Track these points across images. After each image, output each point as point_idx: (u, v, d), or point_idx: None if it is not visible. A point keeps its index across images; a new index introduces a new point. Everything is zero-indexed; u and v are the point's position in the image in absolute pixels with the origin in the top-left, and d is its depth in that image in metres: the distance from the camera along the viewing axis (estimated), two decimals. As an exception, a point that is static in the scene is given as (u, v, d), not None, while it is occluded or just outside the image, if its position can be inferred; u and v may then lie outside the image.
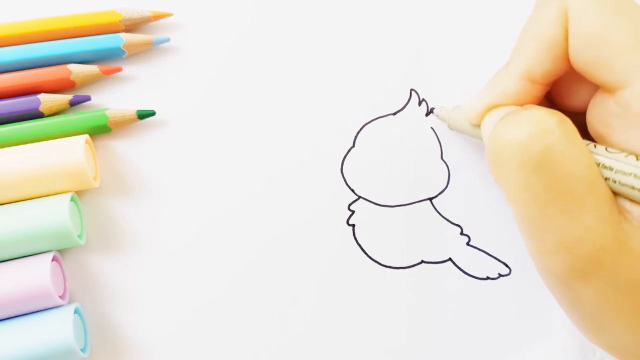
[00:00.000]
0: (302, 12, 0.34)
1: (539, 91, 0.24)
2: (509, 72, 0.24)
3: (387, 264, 0.32)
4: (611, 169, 0.21)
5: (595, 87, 0.23)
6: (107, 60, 0.33)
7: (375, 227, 0.32)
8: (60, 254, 0.31)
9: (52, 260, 0.29)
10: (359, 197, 0.32)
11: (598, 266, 0.20)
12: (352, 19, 0.34)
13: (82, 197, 0.32)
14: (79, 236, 0.31)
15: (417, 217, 0.32)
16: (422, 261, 0.32)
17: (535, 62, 0.23)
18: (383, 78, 0.34)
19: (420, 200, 0.32)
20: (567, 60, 0.22)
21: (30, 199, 0.30)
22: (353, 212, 0.32)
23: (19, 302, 0.28)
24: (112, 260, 0.32)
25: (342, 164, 0.33)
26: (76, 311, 0.30)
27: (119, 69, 0.33)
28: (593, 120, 0.23)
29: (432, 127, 0.33)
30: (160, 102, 0.33)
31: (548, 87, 0.24)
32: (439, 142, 0.33)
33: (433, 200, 0.32)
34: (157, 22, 0.34)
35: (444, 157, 0.33)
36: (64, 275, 0.31)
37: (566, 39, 0.22)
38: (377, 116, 0.33)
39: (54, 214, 0.29)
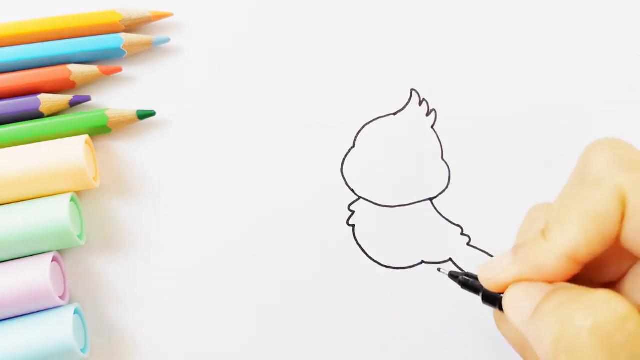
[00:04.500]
0: (302, 12, 0.34)
1: (577, 269, 0.22)
2: (549, 249, 0.22)
3: (387, 264, 0.32)
4: None
5: (636, 259, 0.23)
6: (107, 60, 0.33)
7: (375, 227, 0.32)
8: (60, 254, 0.31)
9: (52, 260, 0.29)
10: (359, 197, 0.32)
11: None
12: (352, 18, 0.34)
13: (82, 197, 0.32)
14: (79, 236, 0.31)
15: (417, 217, 0.32)
16: (422, 261, 0.32)
17: (583, 243, 0.21)
18: (383, 78, 0.34)
19: (420, 200, 0.32)
20: (617, 240, 0.21)
21: (30, 199, 0.30)
22: (353, 212, 0.32)
23: (19, 302, 0.28)
24: (112, 260, 0.32)
25: (342, 164, 0.33)
26: (76, 311, 0.30)
27: (119, 69, 0.33)
28: (635, 293, 0.22)
29: (432, 127, 0.33)
30: (160, 102, 0.33)
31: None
32: (439, 142, 0.33)
33: (433, 200, 0.32)
34: (157, 22, 0.34)
35: (444, 157, 0.33)
36: (64, 275, 0.31)
37: (621, 223, 0.21)
38: (377, 116, 0.33)
39: (54, 214, 0.29)
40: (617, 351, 0.19)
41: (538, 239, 0.23)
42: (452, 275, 0.27)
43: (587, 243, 0.21)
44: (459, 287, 0.26)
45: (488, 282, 0.24)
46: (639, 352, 0.19)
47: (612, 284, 0.23)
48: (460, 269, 0.31)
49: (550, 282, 0.22)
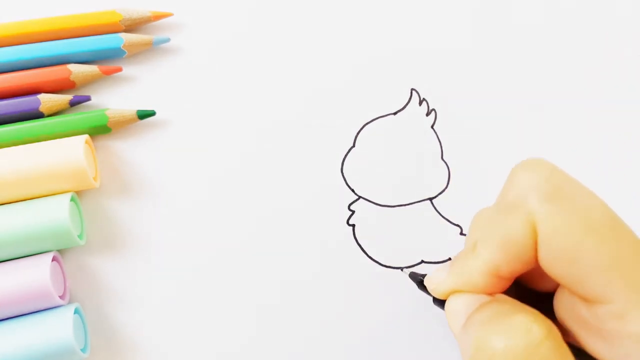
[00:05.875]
0: (302, 11, 0.34)
1: (506, 284, 0.23)
2: (476, 265, 0.23)
3: (387, 264, 0.32)
4: None
5: None
6: (107, 60, 0.33)
7: (375, 227, 0.32)
8: (60, 254, 0.31)
9: (52, 260, 0.29)
10: (359, 197, 0.32)
11: None
12: (352, 18, 0.34)
13: (82, 197, 0.32)
14: (79, 236, 0.31)
15: (417, 217, 0.32)
16: (422, 261, 0.32)
17: (503, 264, 0.22)
18: (383, 78, 0.34)
19: (420, 200, 0.32)
20: (537, 261, 0.22)
21: (31, 199, 0.30)
22: (353, 212, 0.32)
23: (19, 302, 0.28)
24: (112, 260, 0.32)
25: (342, 164, 0.33)
26: (76, 311, 0.30)
27: (119, 69, 0.33)
28: (561, 309, 0.23)
29: (432, 127, 0.33)
30: (160, 102, 0.33)
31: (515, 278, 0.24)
32: (439, 142, 0.33)
33: (433, 200, 0.32)
34: (157, 22, 0.34)
35: (444, 157, 0.33)
36: (64, 275, 0.31)
37: (535, 248, 0.21)
38: (377, 116, 0.33)
39: (54, 214, 0.29)
40: None
41: (468, 254, 0.24)
42: (412, 277, 0.28)
43: (506, 263, 0.22)
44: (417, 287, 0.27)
45: (432, 291, 0.25)
46: None
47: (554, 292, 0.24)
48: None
49: (489, 293, 0.23)
